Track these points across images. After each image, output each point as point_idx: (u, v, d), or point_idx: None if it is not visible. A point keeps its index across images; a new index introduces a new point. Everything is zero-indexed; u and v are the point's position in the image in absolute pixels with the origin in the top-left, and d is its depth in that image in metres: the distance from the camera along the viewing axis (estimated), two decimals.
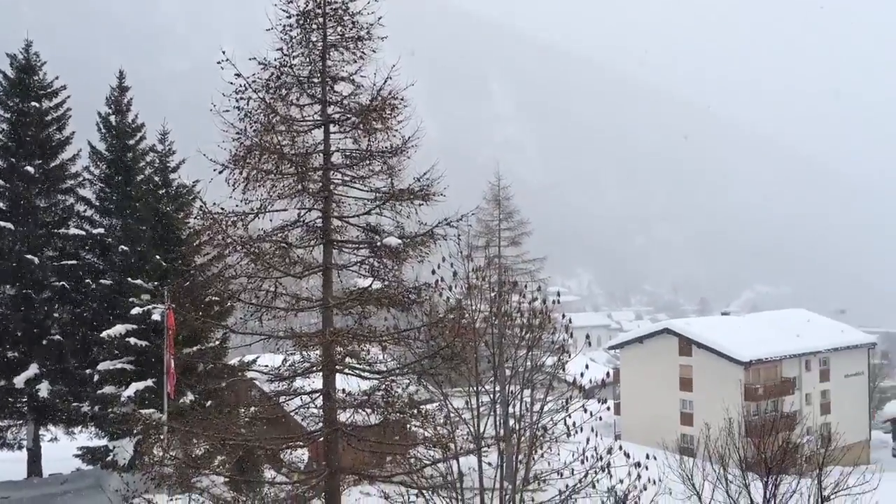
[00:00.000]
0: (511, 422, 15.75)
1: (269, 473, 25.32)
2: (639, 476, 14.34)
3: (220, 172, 14.54)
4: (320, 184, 15.15)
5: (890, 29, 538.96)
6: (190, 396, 25.22)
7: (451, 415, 15.55)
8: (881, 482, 17.83)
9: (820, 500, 17.08)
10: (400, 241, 15.06)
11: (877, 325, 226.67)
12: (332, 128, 15.34)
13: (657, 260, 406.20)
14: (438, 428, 15.60)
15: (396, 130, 15.24)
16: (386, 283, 15.52)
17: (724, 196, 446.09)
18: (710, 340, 56.34)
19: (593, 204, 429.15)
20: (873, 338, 71.00)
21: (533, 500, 15.14)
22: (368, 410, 15.59)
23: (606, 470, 14.39)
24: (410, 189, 15.17)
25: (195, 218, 24.85)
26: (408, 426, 16.67)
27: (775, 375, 56.39)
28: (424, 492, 14.90)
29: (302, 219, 15.37)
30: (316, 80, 15.09)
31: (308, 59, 14.91)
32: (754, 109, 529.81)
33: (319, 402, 15.44)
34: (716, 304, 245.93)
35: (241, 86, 14.39)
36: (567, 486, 14.68)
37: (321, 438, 15.48)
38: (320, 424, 15.42)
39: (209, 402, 24.88)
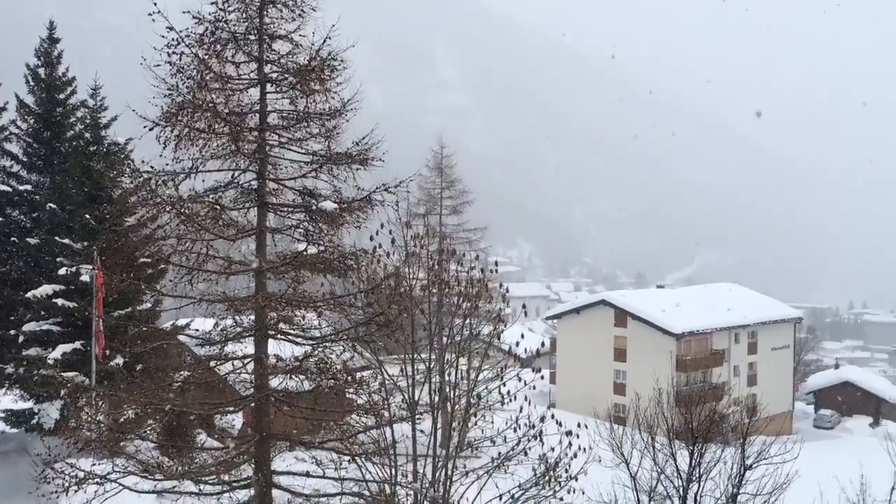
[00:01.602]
0: (446, 390, 15.78)
1: (200, 438, 25.03)
2: (570, 444, 14.53)
3: (151, 130, 14.02)
4: (255, 145, 14.76)
5: (829, 13, 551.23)
6: (119, 360, 24.63)
7: (386, 382, 15.51)
8: (801, 451, 18.46)
9: (742, 468, 17.60)
10: (337, 205, 14.81)
11: (803, 301, 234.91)
12: (269, 87, 14.92)
13: (597, 233, 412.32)
14: (373, 395, 15.54)
15: (335, 93, 14.89)
16: (322, 248, 15.27)
17: (663, 172, 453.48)
18: (645, 312, 57.49)
19: (536, 175, 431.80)
20: (799, 313, 73.48)
21: (465, 468, 15.24)
22: (301, 376, 15.41)
23: (539, 438, 14.54)
24: (349, 153, 14.89)
25: (126, 177, 24.18)
26: (342, 393, 16.56)
27: (706, 347, 57.91)
28: (357, 458, 14.87)
29: (236, 180, 14.97)
30: (253, 38, 14.62)
31: (245, 15, 14.42)
32: (696, 88, 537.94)
33: (251, 367, 15.19)
34: (652, 278, 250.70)
35: (173, 40, 13.84)
36: (500, 453, 14.81)
37: (252, 404, 15.26)
38: (252, 390, 15.20)
39: (139, 366, 24.36)
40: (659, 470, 17.88)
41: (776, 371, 63.92)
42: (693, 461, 17.65)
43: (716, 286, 72.77)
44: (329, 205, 14.70)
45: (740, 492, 17.50)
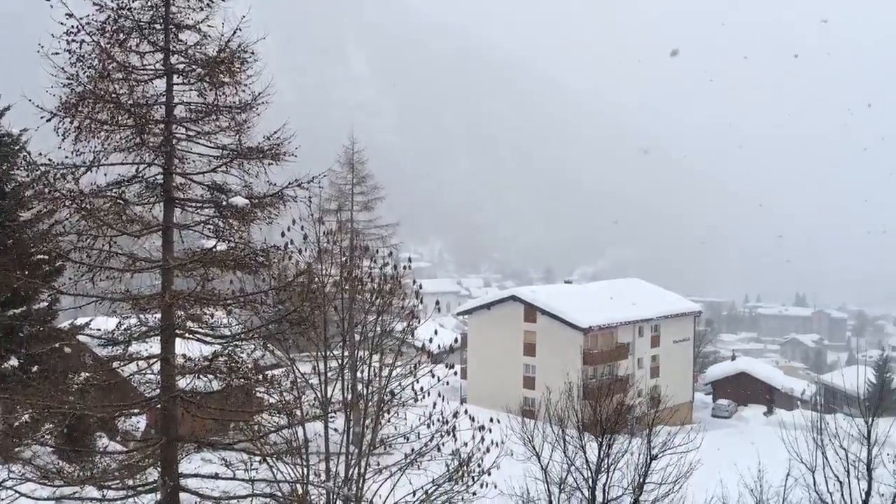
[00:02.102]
0: (359, 387, 15.71)
1: (102, 442, 24.12)
2: (482, 439, 14.70)
3: (49, 121, 13.37)
4: (161, 138, 14.26)
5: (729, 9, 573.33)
6: (13, 361, 23.46)
7: (298, 380, 15.32)
8: (703, 441, 19.20)
9: (648, 458, 18.17)
10: (247, 201, 14.48)
11: (702, 295, 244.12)
12: (176, 79, 14.44)
13: (506, 228, 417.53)
14: (284, 394, 15.31)
15: (246, 85, 14.54)
16: (232, 244, 14.91)
17: (570, 170, 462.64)
18: (554, 308, 58.60)
19: (447, 171, 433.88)
20: (698, 306, 76.30)
21: (379, 465, 15.22)
22: (210, 376, 15.02)
23: (452, 433, 14.65)
24: (260, 147, 14.57)
25: (21, 170, 23.03)
26: (252, 392, 16.24)
27: (611, 341, 59.54)
28: (268, 459, 14.63)
29: (140, 174, 14.42)
30: (158, 27, 14.10)
31: (150, 4, 13.89)
32: (605, 87, 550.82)
33: (157, 367, 14.71)
34: (560, 273, 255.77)
35: (72, 27, 13.22)
36: (413, 449, 14.85)
37: (158, 406, 14.78)
38: (158, 391, 14.71)
39: (35, 368, 23.27)
40: (569, 462, 18.28)
41: (677, 363, 66.25)
42: (602, 452, 18.12)
43: (621, 281, 74.85)
44: (240, 200, 14.36)
45: (646, 481, 18.08)
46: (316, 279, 15.24)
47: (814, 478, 22.69)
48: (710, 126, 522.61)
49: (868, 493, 23.00)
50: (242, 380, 15.23)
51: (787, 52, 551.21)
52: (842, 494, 22.79)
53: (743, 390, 75.39)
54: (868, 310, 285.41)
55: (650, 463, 18.19)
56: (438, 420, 14.71)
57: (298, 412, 14.87)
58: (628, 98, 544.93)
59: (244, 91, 14.57)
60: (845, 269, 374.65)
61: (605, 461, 18.16)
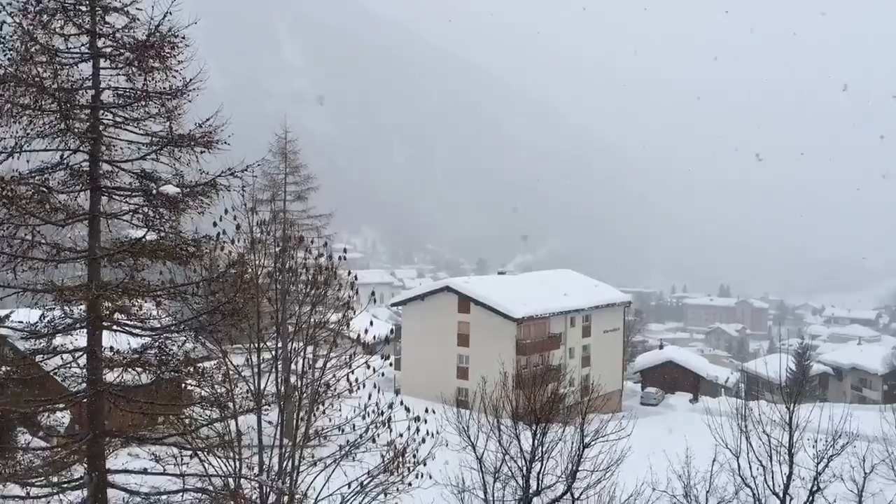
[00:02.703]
0: (293, 379, 15.53)
1: (25, 438, 23.28)
2: (418, 429, 14.70)
3: None
4: (88, 123, 13.79)
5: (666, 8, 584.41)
6: None
7: (231, 373, 15.06)
8: (633, 428, 19.62)
9: (581, 446, 18.49)
10: (178, 189, 14.12)
11: (632, 286, 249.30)
12: (103, 62, 13.97)
13: (440, 219, 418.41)
14: (216, 386, 15.04)
15: (176, 71, 14.16)
16: (162, 234, 14.54)
17: (503, 160, 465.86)
18: (487, 298, 58.99)
19: (381, 162, 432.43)
20: (628, 297, 77.85)
21: (314, 457, 15.09)
22: (139, 369, 14.64)
23: (387, 424, 14.61)
24: (191, 135, 14.22)
25: None
26: (183, 385, 15.90)
27: (544, 331, 60.25)
28: (200, 453, 14.35)
29: (65, 161, 13.93)
30: (84, 9, 13.61)
31: None
32: (540, 81, 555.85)
33: (83, 360, 14.25)
34: (493, 264, 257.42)
35: None
36: (348, 441, 14.76)
37: (84, 400, 14.34)
38: (84, 385, 14.27)
39: None
40: (504, 451, 18.46)
41: (608, 352, 67.50)
42: (536, 441, 18.35)
43: (553, 272, 75.80)
44: (171, 189, 14.00)
45: (579, 469, 18.39)
46: (249, 270, 14.98)
47: (738, 463, 23.46)
48: (644, 120, 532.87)
49: (790, 477, 23.88)
50: (173, 373, 14.91)
51: (718, 44, 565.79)
52: (765, 478, 23.63)
53: (670, 378, 77.35)
54: (788, 299, 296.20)
55: (583, 451, 18.50)
56: (373, 411, 14.65)
57: (231, 405, 14.62)
58: (563, 93, 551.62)
59: (175, 77, 14.20)
60: (767, 260, 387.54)
61: (539, 450, 18.40)
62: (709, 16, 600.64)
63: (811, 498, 24.04)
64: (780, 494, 23.79)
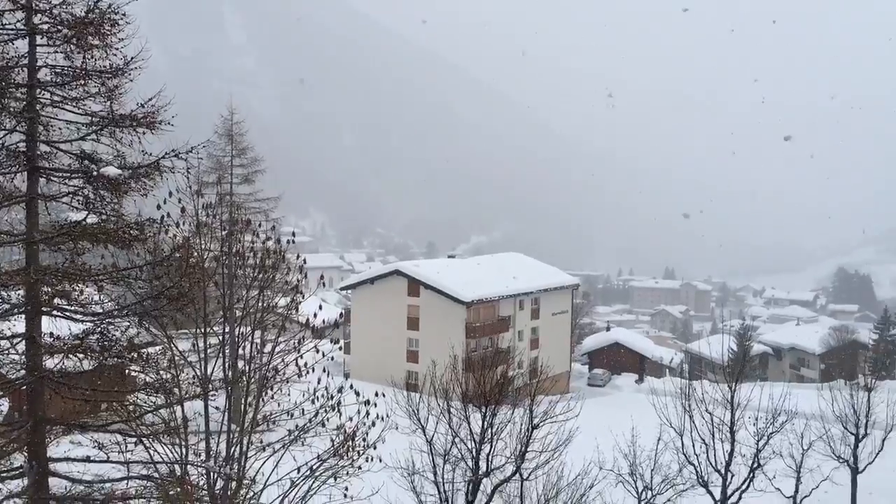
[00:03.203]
0: (241, 364, 15.34)
1: None
2: (367, 413, 14.66)
3: None
4: (24, 103, 13.32)
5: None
6: None
7: (176, 358, 14.80)
8: (581, 409, 19.90)
9: (530, 427, 18.68)
10: (120, 171, 13.75)
11: (579, 269, 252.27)
12: (40, 39, 13.48)
13: (389, 203, 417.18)
14: (162, 372, 14.76)
15: (117, 49, 13.73)
16: (103, 216, 14.16)
17: (454, 146, 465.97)
18: (437, 282, 59.11)
19: (330, 145, 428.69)
20: (576, 280, 78.80)
21: (262, 442, 14.96)
22: (81, 355, 14.27)
23: (336, 408, 14.54)
24: (133, 115, 13.82)
25: None
26: (126, 371, 15.57)
27: (493, 314, 60.65)
28: (144, 439, 14.10)
29: (1, 141, 13.45)
30: None
31: None
32: (490, 67, 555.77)
33: (22, 347, 13.85)
34: (442, 248, 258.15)
35: None
36: (297, 425, 14.66)
37: (23, 387, 13.95)
38: (23, 372, 13.87)
39: None
40: (454, 433, 18.55)
41: (556, 335, 68.30)
42: (485, 423, 18.49)
43: (502, 256, 76.28)
44: (112, 170, 13.62)
45: (528, 449, 18.60)
46: (195, 254, 14.70)
47: (682, 441, 24.03)
48: (593, 109, 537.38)
49: (731, 454, 24.55)
50: (116, 359, 14.57)
51: (668, 37, 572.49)
52: (707, 456, 24.24)
53: (616, 360, 78.67)
54: (730, 282, 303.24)
55: (532, 432, 18.70)
56: (323, 396, 14.55)
57: (177, 391, 14.37)
58: (514, 80, 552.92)
59: (115, 55, 13.78)
60: (710, 244, 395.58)
61: (489, 432, 18.53)
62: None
63: (751, 474, 24.75)
64: (722, 471, 24.45)
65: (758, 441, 25.07)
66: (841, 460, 29.98)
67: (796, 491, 27.45)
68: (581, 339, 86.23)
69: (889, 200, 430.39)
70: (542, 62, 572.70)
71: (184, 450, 13.94)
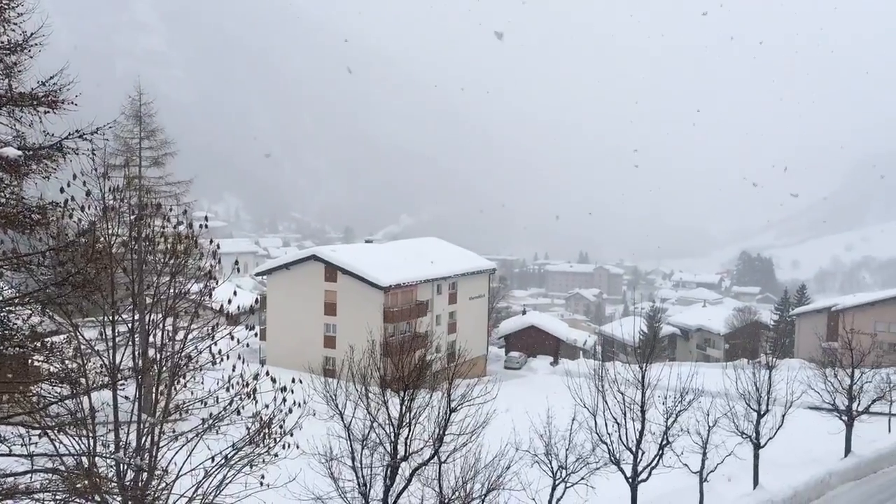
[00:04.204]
0: (151, 352, 14.94)
1: None
2: (284, 400, 14.51)
3: None
4: None
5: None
6: None
7: (83, 347, 14.29)
8: (498, 392, 20.17)
9: (448, 411, 18.84)
10: (20, 152, 13.12)
11: (496, 253, 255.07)
12: None
13: (305, 187, 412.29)
14: (67, 362, 14.23)
15: (16, 24, 13.09)
16: (2, 200, 13.52)
17: (370, 128, 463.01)
18: (354, 267, 58.76)
19: (242, 127, 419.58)
20: (493, 264, 79.61)
21: (174, 432, 14.64)
22: None
23: (252, 396, 14.34)
24: (33, 93, 13.20)
25: None
26: (29, 361, 14.94)
27: (411, 299, 60.74)
28: (49, 431, 13.58)
29: None
30: None
31: None
32: (408, 47, 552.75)
33: None
34: (360, 233, 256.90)
35: None
36: (211, 414, 14.39)
37: None
38: None
39: None
40: (372, 418, 18.54)
41: (473, 319, 68.95)
42: (403, 408, 18.54)
43: (420, 240, 76.41)
44: (11, 151, 12.97)
45: (446, 433, 18.75)
46: (102, 239, 14.18)
47: (595, 421, 24.67)
48: (511, 91, 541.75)
49: (641, 432, 25.34)
50: (17, 348, 13.97)
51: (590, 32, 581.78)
52: (619, 434, 24.96)
53: (532, 342, 79.99)
54: (641, 265, 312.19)
55: (449, 415, 18.85)
56: (238, 383, 14.32)
57: (83, 381, 13.88)
58: (432, 61, 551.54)
59: (13, 31, 13.12)
60: (622, 228, 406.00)
61: (407, 416, 18.60)
62: None
63: (661, 451, 25.63)
64: (633, 449, 25.22)
65: (667, 419, 25.96)
66: (744, 436, 31.31)
67: (702, 466, 28.56)
68: (498, 323, 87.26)
69: (788, 188, 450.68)
70: (462, 40, 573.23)
71: (91, 441, 13.51)
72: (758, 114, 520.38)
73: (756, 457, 31.88)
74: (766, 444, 31.80)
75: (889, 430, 41.60)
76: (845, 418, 37.20)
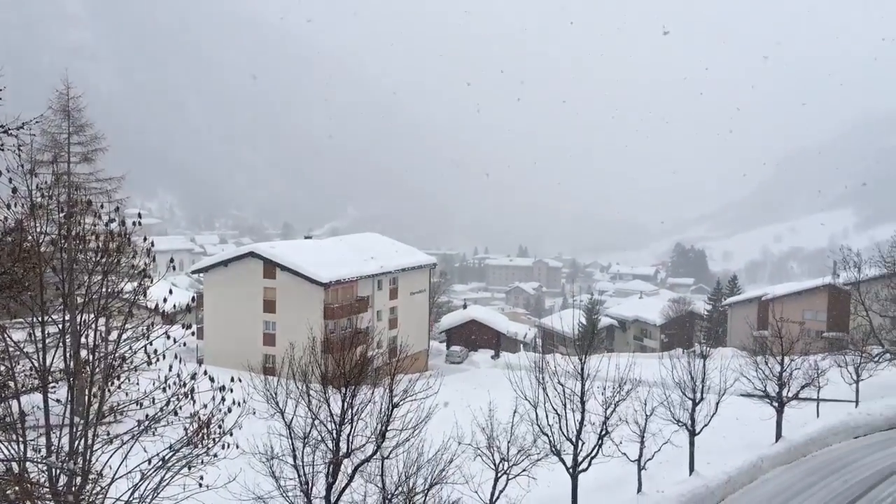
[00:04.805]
0: (84, 353, 14.54)
1: None
2: (223, 399, 14.29)
3: None
4: None
5: None
6: None
7: (11, 349, 13.84)
8: (441, 386, 20.22)
9: (390, 406, 18.81)
10: None
11: (436, 248, 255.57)
12: None
13: (242, 183, 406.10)
14: None
15: None
16: None
17: (306, 122, 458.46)
18: (294, 263, 58.16)
19: (176, 122, 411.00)
20: (434, 259, 79.74)
21: (109, 434, 14.29)
22: None
23: (190, 396, 14.08)
24: None
25: None
26: None
27: (352, 295, 60.41)
28: None
29: None
30: None
31: None
32: (346, 42, 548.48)
33: None
34: (299, 229, 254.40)
35: None
36: (147, 415, 14.09)
37: None
38: None
39: None
40: (313, 416, 18.39)
41: (414, 314, 68.96)
42: (345, 404, 18.44)
43: (360, 236, 76.00)
44: None
45: (389, 428, 18.72)
46: (29, 237, 13.74)
47: (536, 413, 24.92)
48: (450, 89, 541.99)
49: (581, 423, 25.71)
50: None
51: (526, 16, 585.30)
52: (560, 426, 25.27)
53: (474, 336, 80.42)
54: (579, 258, 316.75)
55: (392, 411, 18.83)
56: (175, 383, 14.04)
57: (12, 384, 13.44)
58: (373, 58, 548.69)
59: None
60: (561, 222, 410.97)
61: (349, 412, 18.51)
62: None
63: (600, 441, 26.04)
64: (574, 439, 25.58)
65: (606, 409, 26.39)
66: (680, 423, 32.04)
67: (640, 454, 29.14)
68: (439, 318, 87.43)
69: (720, 180, 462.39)
70: (401, 37, 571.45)
71: (22, 446, 13.10)
72: (689, 112, 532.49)
73: (692, 444, 32.65)
74: (700, 431, 32.59)
75: (818, 415, 43.05)
76: (776, 404, 38.35)
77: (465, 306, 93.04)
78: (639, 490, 29.51)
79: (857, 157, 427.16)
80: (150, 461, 13.92)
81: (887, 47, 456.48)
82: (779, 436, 38.57)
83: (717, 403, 32.84)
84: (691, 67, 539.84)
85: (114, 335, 14.46)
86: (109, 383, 14.12)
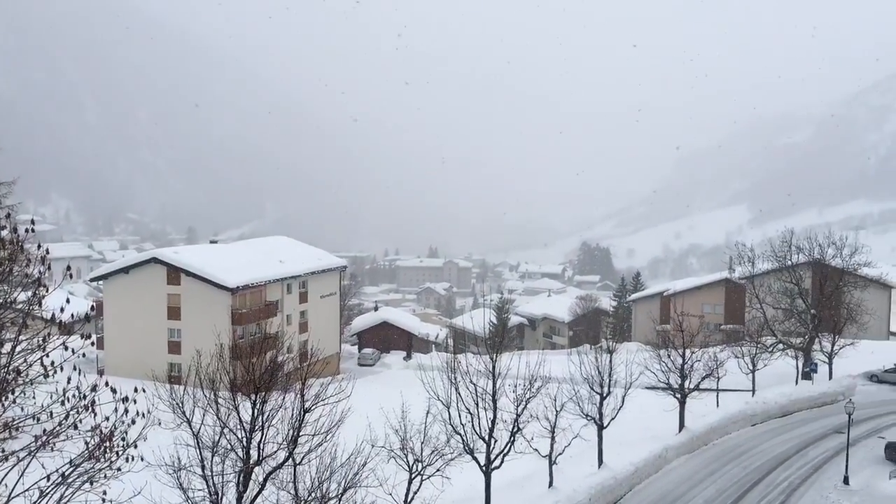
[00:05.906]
0: None
1: None
2: (126, 411, 13.81)
3: None
4: None
5: None
6: None
7: None
8: (353, 390, 20.09)
9: (302, 411, 18.56)
10: None
11: (346, 250, 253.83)
12: None
13: (142, 187, 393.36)
14: None
15: None
16: None
17: (210, 125, 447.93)
18: (199, 269, 56.67)
19: (70, 123, 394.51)
20: (344, 261, 79.10)
21: (3, 451, 13.61)
22: None
23: (90, 408, 13.55)
24: None
25: None
26: None
27: (260, 299, 59.28)
28: None
29: None
30: None
31: None
32: (248, 46, 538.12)
33: None
34: (204, 233, 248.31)
35: None
36: (45, 430, 13.48)
37: None
38: None
39: None
40: (222, 424, 17.98)
41: (325, 317, 68.23)
42: (256, 411, 18.10)
43: (268, 239, 74.71)
44: None
45: (301, 434, 18.46)
46: None
47: (449, 412, 25.08)
48: (361, 90, 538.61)
49: (493, 421, 26.01)
50: None
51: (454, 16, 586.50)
52: (472, 424, 25.50)
53: (385, 338, 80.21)
54: (489, 258, 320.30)
55: (304, 416, 18.59)
56: (74, 396, 13.48)
57: None
58: (271, 60, 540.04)
59: None
60: (470, 222, 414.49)
61: (260, 419, 18.18)
62: None
63: (512, 438, 26.41)
64: (486, 438, 25.85)
65: (517, 406, 26.78)
66: (588, 418, 32.81)
67: (551, 450, 29.69)
68: (350, 321, 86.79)
69: (623, 180, 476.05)
70: (308, 40, 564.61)
71: None
72: (593, 113, 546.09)
73: (600, 437, 33.48)
74: (608, 424, 33.46)
75: (717, 405, 44.83)
76: (679, 396, 39.75)
77: (376, 308, 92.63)
78: (550, 485, 30.06)
79: (747, 156, 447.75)
80: (48, 478, 13.33)
81: (779, 51, 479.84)
82: (682, 426, 39.96)
83: (624, 397, 33.76)
84: (603, 72, 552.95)
85: (7, 347, 13.81)
86: (3, 398, 13.48)
